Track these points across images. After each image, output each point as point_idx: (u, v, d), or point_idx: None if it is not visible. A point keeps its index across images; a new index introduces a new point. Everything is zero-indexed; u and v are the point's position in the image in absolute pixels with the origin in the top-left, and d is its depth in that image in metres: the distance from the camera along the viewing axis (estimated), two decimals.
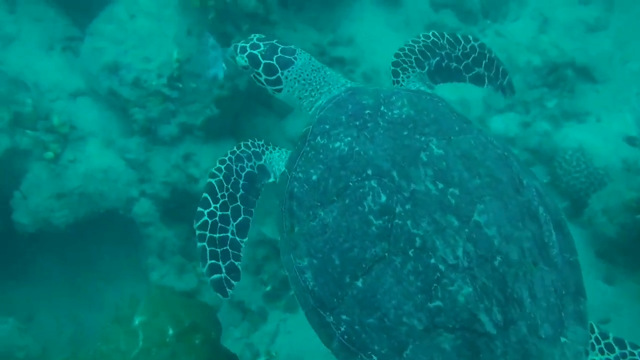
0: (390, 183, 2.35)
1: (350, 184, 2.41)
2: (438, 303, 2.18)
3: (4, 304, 5.34)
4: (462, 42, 3.17)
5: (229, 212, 2.76)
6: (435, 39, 3.15)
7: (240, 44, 2.94)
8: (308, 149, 2.61)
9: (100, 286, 5.56)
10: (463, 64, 3.17)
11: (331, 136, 2.56)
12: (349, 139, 2.51)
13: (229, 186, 2.81)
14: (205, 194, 2.71)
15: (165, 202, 5.16)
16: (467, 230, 2.25)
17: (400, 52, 3.11)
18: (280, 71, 2.91)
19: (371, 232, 2.32)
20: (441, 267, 2.20)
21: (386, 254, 2.27)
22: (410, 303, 2.22)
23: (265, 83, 2.96)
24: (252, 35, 3.00)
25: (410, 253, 2.24)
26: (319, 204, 2.48)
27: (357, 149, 2.47)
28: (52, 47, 5.25)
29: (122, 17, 4.82)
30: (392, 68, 3.09)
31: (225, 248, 2.69)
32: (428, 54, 3.12)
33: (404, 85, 3.02)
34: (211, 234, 2.68)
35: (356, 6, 5.34)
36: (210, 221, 2.69)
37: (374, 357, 2.32)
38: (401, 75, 3.07)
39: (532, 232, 2.35)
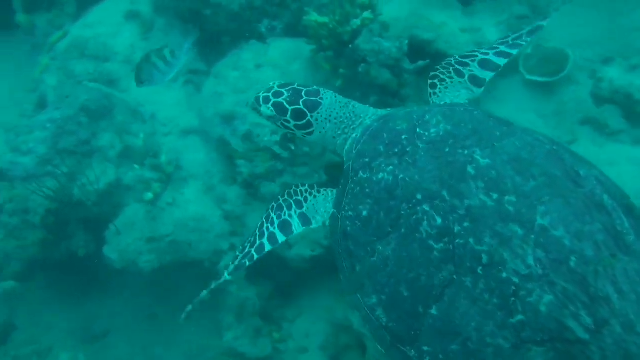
0: (443, 204, 2.28)
1: (402, 212, 2.36)
2: (520, 317, 2.09)
3: (81, 321, 5.37)
4: (501, 40, 3.35)
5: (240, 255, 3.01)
6: (473, 50, 3.30)
7: (261, 95, 2.90)
8: (352, 185, 2.58)
9: (176, 327, 5.42)
10: (510, 38, 3.31)
11: (373, 168, 2.52)
12: (392, 167, 2.46)
13: (257, 233, 3.00)
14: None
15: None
16: (533, 236, 2.14)
17: (439, 67, 3.17)
18: (309, 114, 2.86)
19: (434, 257, 2.25)
20: (515, 279, 2.10)
21: (454, 277, 2.20)
22: (491, 322, 2.13)
23: (295, 129, 2.91)
24: (271, 82, 2.96)
25: (479, 271, 2.16)
26: (375, 238, 2.42)
27: (401, 176, 2.42)
28: (175, 79, 5.16)
29: (248, 65, 4.57)
30: (430, 81, 3.11)
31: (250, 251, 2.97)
32: (467, 61, 3.16)
33: (440, 96, 3.08)
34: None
35: (502, 86, 4.66)
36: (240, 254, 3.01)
37: None
38: (438, 86, 3.09)
39: (602, 223, 2.19)
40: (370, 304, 2.47)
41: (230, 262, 3.06)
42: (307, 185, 3.02)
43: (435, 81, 3.16)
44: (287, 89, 2.93)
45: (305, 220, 2.94)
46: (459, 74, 3.18)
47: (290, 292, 5.05)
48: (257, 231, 3.02)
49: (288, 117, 2.90)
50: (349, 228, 2.58)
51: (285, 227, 2.95)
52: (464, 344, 2.19)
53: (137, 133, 4.69)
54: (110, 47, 5.01)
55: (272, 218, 3.00)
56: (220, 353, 4.84)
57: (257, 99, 2.93)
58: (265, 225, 3.01)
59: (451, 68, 3.19)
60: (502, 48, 3.31)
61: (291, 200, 2.99)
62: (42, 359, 4.28)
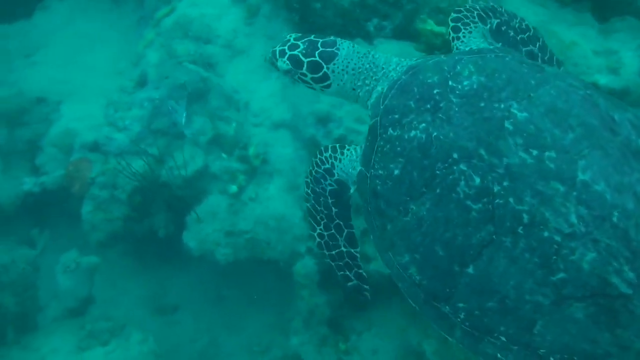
0: (481, 162, 2.21)
1: (438, 172, 2.28)
2: (562, 275, 2.07)
3: (153, 292, 5.49)
4: (519, 18, 3.02)
5: (333, 231, 2.88)
6: (495, 6, 3.00)
7: (277, 48, 2.83)
8: (382, 143, 2.48)
9: (242, 315, 5.42)
10: (519, 36, 2.99)
11: (404, 125, 2.43)
12: (424, 125, 2.37)
13: (322, 208, 2.89)
14: (309, 218, 2.91)
15: (329, 266, 4.69)
16: (575, 193, 2.09)
17: (462, 9, 2.93)
18: (325, 66, 2.77)
19: (472, 217, 2.20)
20: (557, 238, 2.07)
21: (494, 237, 2.16)
22: (531, 280, 2.11)
23: (312, 82, 2.83)
24: (288, 35, 2.88)
25: (520, 231, 2.12)
26: (408, 198, 2.36)
27: (435, 134, 2.32)
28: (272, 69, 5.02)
29: None
30: (452, 24, 2.90)
31: (345, 260, 2.87)
32: (490, 13, 2.96)
33: (464, 42, 2.87)
34: (328, 252, 2.87)
35: None
36: (322, 242, 2.89)
37: (502, 338, 2.23)
38: (462, 30, 2.88)
39: None
40: (402, 262, 2.44)
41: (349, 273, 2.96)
42: (329, 149, 2.91)
43: (459, 24, 2.93)
44: (303, 40, 2.84)
45: (343, 186, 2.87)
46: (483, 20, 2.97)
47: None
48: (320, 208, 2.93)
49: (304, 69, 2.81)
50: (379, 187, 2.50)
51: (337, 195, 2.90)
52: (502, 301, 2.18)
53: (230, 121, 4.59)
54: (213, 29, 4.91)
55: (318, 190, 2.92)
56: (285, 355, 4.77)
57: (274, 52, 2.85)
58: (320, 208, 2.93)
59: (475, 13, 2.96)
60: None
61: (321, 171, 2.91)
62: (115, 336, 4.37)
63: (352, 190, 2.84)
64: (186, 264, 5.24)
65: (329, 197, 2.91)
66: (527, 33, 3.04)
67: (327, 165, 2.90)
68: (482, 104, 2.31)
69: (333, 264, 2.92)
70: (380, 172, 2.51)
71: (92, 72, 5.74)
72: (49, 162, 5.15)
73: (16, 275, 4.02)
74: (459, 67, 2.44)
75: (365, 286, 2.89)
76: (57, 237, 5.20)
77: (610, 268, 2.03)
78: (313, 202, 2.93)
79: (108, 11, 6.03)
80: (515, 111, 2.25)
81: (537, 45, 3.04)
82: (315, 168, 2.92)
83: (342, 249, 2.92)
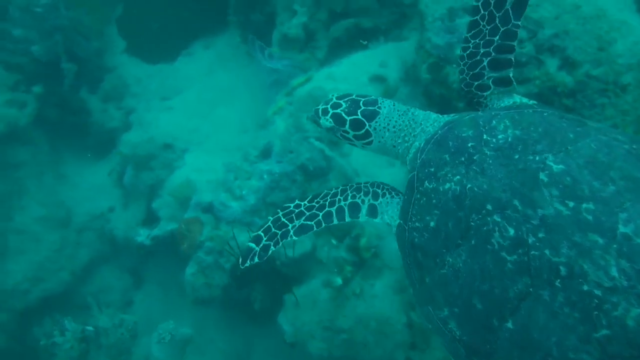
0: (515, 214, 2.20)
1: (472, 223, 2.29)
2: (605, 332, 1.97)
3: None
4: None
5: (306, 213, 2.87)
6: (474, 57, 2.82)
7: (320, 107, 2.89)
8: (418, 196, 2.54)
9: None
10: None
11: (439, 178, 2.47)
12: (459, 177, 2.40)
13: (329, 200, 2.90)
14: (311, 194, 2.95)
15: None
16: (615, 245, 2.01)
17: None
18: (367, 124, 2.83)
19: (508, 269, 2.18)
20: (597, 292, 2.00)
21: (531, 289, 2.12)
22: (574, 337, 2.04)
23: (354, 139, 2.89)
24: (331, 95, 2.94)
25: (558, 284, 2.08)
26: (444, 250, 2.37)
27: (469, 185, 2.35)
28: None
29: None
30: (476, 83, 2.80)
31: (277, 232, 2.83)
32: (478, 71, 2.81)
33: (493, 100, 2.82)
34: (283, 218, 2.86)
35: None
36: (291, 209, 2.88)
37: None
38: (483, 103, 2.81)
39: None
40: (442, 317, 2.41)
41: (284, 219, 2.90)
42: (390, 186, 2.92)
43: (481, 100, 2.84)
44: (346, 99, 2.91)
45: (373, 212, 2.87)
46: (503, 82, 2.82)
47: None
48: (327, 198, 2.93)
49: (347, 127, 2.88)
50: (416, 239, 2.52)
51: (353, 208, 2.89)
52: (545, 358, 2.10)
53: None
54: None
55: (347, 194, 2.92)
56: None
57: (317, 111, 2.92)
58: (339, 197, 2.93)
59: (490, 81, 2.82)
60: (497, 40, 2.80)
61: (371, 189, 2.92)
62: None
63: (376, 219, 2.84)
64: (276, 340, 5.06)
65: (347, 200, 2.91)
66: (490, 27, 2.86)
67: (378, 190, 2.92)
68: (517, 156, 2.30)
69: (270, 224, 2.88)
70: (417, 224, 2.53)
71: (220, 125, 5.86)
72: (163, 208, 5.27)
73: (114, 340, 4.04)
74: (494, 122, 2.45)
75: (256, 259, 2.83)
76: (157, 293, 5.27)
77: None
78: (336, 191, 2.95)
79: (245, 66, 6.15)
80: (550, 163, 2.23)
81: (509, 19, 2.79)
82: (368, 185, 2.94)
83: (289, 227, 2.87)
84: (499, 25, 2.78)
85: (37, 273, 5.64)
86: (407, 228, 2.60)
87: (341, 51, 5.32)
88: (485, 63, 2.84)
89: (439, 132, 2.64)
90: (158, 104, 6.31)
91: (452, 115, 2.79)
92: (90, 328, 3.82)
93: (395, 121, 2.88)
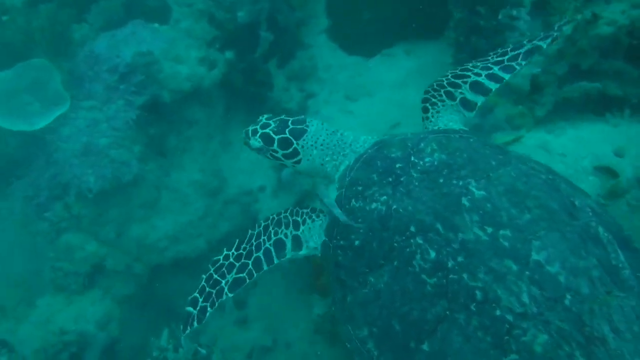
0: (437, 237, 2.26)
1: (396, 244, 2.35)
2: (514, 357, 2.05)
3: None
4: (491, 54, 3.15)
5: (236, 264, 2.90)
6: (465, 66, 3.11)
7: (250, 128, 3.02)
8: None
9: None
10: (507, 57, 3.08)
11: (366, 197, 2.53)
12: (385, 197, 2.47)
13: (254, 243, 2.94)
14: (237, 240, 3.00)
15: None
16: (528, 272, 2.11)
17: (430, 88, 3.10)
18: (295, 142, 2.92)
19: (427, 291, 2.22)
20: (509, 317, 2.07)
21: (448, 313, 2.17)
22: None
23: (283, 158, 2.97)
24: (260, 117, 3.08)
25: (473, 307, 2.13)
26: (367, 270, 2.41)
27: (395, 206, 2.40)
28: None
29: None
30: (422, 105, 3.10)
31: (212, 291, 2.85)
32: (458, 82, 3.05)
33: (432, 121, 3.05)
34: (215, 274, 2.90)
35: None
36: (221, 262, 2.95)
37: None
38: (430, 110, 3.07)
39: (597, 257, 2.16)
40: (361, 337, 2.43)
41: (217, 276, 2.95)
42: (309, 208, 2.94)
43: (427, 105, 3.09)
44: (275, 119, 3.01)
45: (297, 244, 2.88)
46: (451, 96, 3.06)
47: None
48: (252, 241, 2.95)
49: (275, 146, 2.94)
50: (340, 257, 2.55)
51: (279, 246, 2.90)
52: None
53: None
54: None
55: (270, 232, 2.93)
56: None
57: (247, 132, 3.00)
58: (263, 237, 2.94)
59: (442, 90, 3.07)
60: (496, 70, 3.10)
61: (290, 219, 2.93)
62: None
63: (302, 252, 2.84)
64: None
65: (270, 244, 2.91)
66: (505, 57, 3.10)
67: (298, 218, 2.91)
68: (441, 180, 2.40)
69: (204, 283, 2.88)
70: (342, 242, 2.56)
71: None
72: None
73: None
74: (422, 145, 2.56)
75: (195, 323, 2.81)
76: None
77: (561, 352, 1.99)
78: (255, 233, 2.96)
79: None
80: (473, 189, 2.33)
81: (519, 59, 3.07)
82: (287, 214, 2.95)
83: (223, 283, 2.85)
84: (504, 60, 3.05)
85: (178, 234, 5.67)
86: (331, 246, 2.64)
87: (568, 114, 4.29)
88: (471, 80, 3.04)
89: (369, 151, 2.72)
90: (340, 100, 5.83)
91: (382, 136, 2.88)
92: (203, 351, 3.64)
93: (323, 139, 2.93)
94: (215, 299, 2.84)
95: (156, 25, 5.64)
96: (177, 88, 5.33)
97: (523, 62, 3.12)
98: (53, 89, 5.00)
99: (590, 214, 2.30)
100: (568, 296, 2.06)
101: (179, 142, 5.78)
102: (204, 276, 2.91)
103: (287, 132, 2.95)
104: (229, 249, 2.98)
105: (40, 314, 4.82)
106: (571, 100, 4.27)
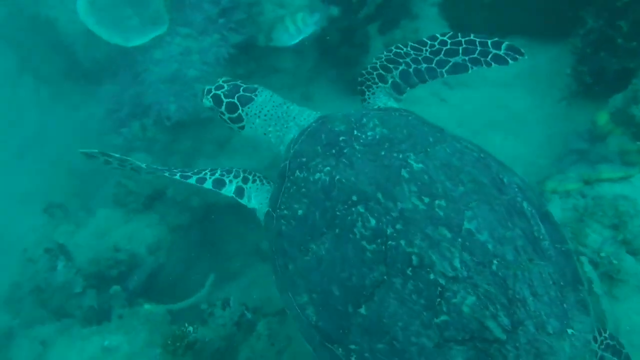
0: (377, 206, 2.38)
1: (338, 213, 2.46)
2: (444, 317, 2.20)
3: None
4: (429, 42, 3.10)
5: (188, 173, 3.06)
6: (397, 50, 3.14)
7: (206, 87, 3.16)
8: (289, 184, 2.67)
9: None
10: (434, 61, 3.09)
11: (310, 168, 2.62)
12: (329, 168, 2.57)
13: (201, 172, 3.06)
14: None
15: None
16: (460, 239, 2.27)
17: (364, 72, 3.19)
18: (240, 108, 3.06)
19: (367, 257, 2.34)
20: (441, 281, 2.22)
21: (385, 277, 2.30)
22: (417, 322, 2.23)
23: (229, 121, 3.11)
24: (219, 79, 3.19)
25: (409, 272, 2.27)
26: (309, 238, 2.52)
27: (338, 177, 2.52)
28: None
29: None
30: (358, 88, 3.22)
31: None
32: (390, 66, 3.14)
33: (370, 103, 3.18)
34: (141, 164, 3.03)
35: None
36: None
37: None
38: (367, 93, 3.20)
39: (521, 229, 2.37)
40: (301, 303, 2.54)
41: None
42: (263, 175, 3.08)
43: (363, 87, 3.20)
44: (230, 83, 3.14)
45: (239, 193, 3.01)
46: (382, 79, 3.18)
47: None
48: (196, 170, 3.08)
49: (222, 109, 3.08)
50: (283, 227, 2.63)
51: (218, 183, 3.02)
52: (391, 342, 2.29)
53: None
54: None
55: (216, 171, 3.05)
56: None
57: (202, 90, 3.16)
58: (205, 172, 3.05)
59: (375, 73, 3.17)
60: (423, 67, 3.12)
61: (242, 174, 3.06)
62: None
63: (241, 201, 2.98)
64: None
65: (210, 178, 3.02)
66: (444, 49, 3.06)
67: (249, 176, 3.05)
68: (383, 153, 2.53)
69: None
70: (285, 212, 2.64)
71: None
72: None
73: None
74: (364, 120, 2.69)
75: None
76: None
77: (487, 312, 2.16)
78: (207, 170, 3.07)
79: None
80: (412, 162, 2.47)
81: (460, 50, 3.04)
82: (240, 170, 3.07)
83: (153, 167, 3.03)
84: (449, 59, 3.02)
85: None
86: (275, 216, 2.69)
87: None
88: (401, 68, 3.10)
89: (313, 124, 2.82)
90: (435, 83, 5.49)
91: (327, 113, 2.98)
92: (249, 315, 3.62)
93: (268, 110, 3.05)
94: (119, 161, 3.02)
95: None
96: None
97: (492, 63, 3.09)
98: (154, 7, 4.91)
99: (517, 190, 2.51)
100: (495, 262, 2.24)
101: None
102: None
103: (235, 97, 3.08)
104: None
105: (98, 225, 4.94)
106: None
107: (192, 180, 3.01)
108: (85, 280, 4.13)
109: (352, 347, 2.38)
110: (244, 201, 3.00)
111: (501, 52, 3.02)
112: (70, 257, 4.15)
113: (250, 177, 3.06)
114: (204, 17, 5.03)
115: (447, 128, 2.75)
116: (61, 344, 3.92)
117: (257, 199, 2.97)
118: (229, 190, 2.99)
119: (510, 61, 3.02)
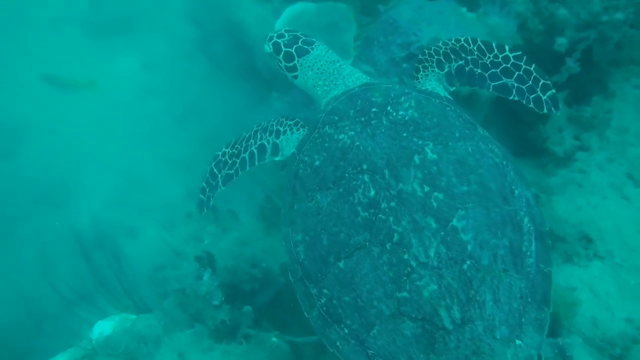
0: (381, 180, 2.67)
1: (347, 174, 2.77)
2: (405, 294, 2.53)
3: None
4: (495, 51, 3.19)
5: (229, 161, 3.47)
6: (465, 44, 3.27)
7: (269, 34, 3.50)
8: (317, 135, 3.00)
9: None
10: (489, 72, 3.21)
11: (338, 127, 2.92)
12: (353, 133, 2.86)
13: (244, 144, 3.47)
14: (232, 139, 3.55)
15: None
16: (442, 233, 2.53)
17: (426, 51, 3.37)
18: (296, 59, 3.39)
19: (357, 221, 2.67)
20: (412, 263, 2.52)
21: (367, 244, 2.64)
22: (381, 290, 2.58)
23: (284, 69, 3.49)
24: (284, 29, 3.51)
25: (388, 246, 2.59)
26: (317, 188, 2.85)
27: (357, 143, 2.81)
28: None
29: None
30: (415, 65, 3.42)
31: (212, 183, 3.54)
32: (452, 56, 3.30)
33: (420, 82, 3.39)
34: (214, 169, 3.53)
35: None
36: (219, 158, 3.57)
37: (346, 330, 2.66)
38: (421, 72, 3.40)
39: (510, 240, 2.57)
40: (295, 240, 2.88)
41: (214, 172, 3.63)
42: (293, 119, 3.35)
43: (420, 66, 3.40)
44: (290, 34, 3.46)
45: (275, 151, 3.38)
46: (440, 66, 3.33)
47: None
48: (243, 143, 3.48)
49: (280, 57, 3.42)
50: (300, 170, 2.94)
51: (261, 150, 3.42)
52: (355, 299, 2.63)
53: None
54: None
55: (258, 136, 3.40)
56: None
57: (265, 36, 3.48)
58: (251, 141, 3.42)
59: (435, 57, 3.32)
60: (480, 71, 3.27)
61: (275, 127, 3.35)
62: None
63: (277, 158, 3.38)
64: None
65: (255, 147, 3.40)
66: (503, 65, 3.16)
67: (280, 128, 3.34)
68: (405, 134, 2.77)
69: (208, 176, 3.55)
70: (306, 158, 2.96)
71: None
72: None
73: None
74: (403, 98, 2.92)
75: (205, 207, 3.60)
76: None
77: (443, 302, 2.45)
78: (245, 135, 3.48)
79: None
80: (428, 150, 2.70)
81: (515, 75, 3.12)
82: (272, 122, 3.40)
83: (219, 178, 3.47)
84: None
85: None
86: (297, 158, 3.01)
87: None
88: (460, 63, 3.21)
89: (356, 89, 3.06)
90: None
91: (376, 79, 3.26)
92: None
93: (321, 65, 3.31)
94: (213, 190, 3.54)
95: (464, 10, 5.10)
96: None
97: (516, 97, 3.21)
98: (343, 40, 4.89)
99: (524, 204, 2.66)
100: (468, 262, 2.47)
101: None
102: (208, 169, 3.56)
103: (293, 47, 3.36)
104: (227, 147, 3.54)
105: (242, 234, 5.18)
106: None
107: (248, 166, 3.46)
108: (223, 294, 4.40)
109: (325, 291, 2.73)
110: (278, 158, 3.38)
111: (544, 97, 3.10)
112: (215, 268, 4.43)
113: (282, 129, 3.36)
114: (388, 59, 4.93)
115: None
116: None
117: (288, 148, 3.30)
118: (268, 154, 3.41)
119: (545, 110, 3.11)
